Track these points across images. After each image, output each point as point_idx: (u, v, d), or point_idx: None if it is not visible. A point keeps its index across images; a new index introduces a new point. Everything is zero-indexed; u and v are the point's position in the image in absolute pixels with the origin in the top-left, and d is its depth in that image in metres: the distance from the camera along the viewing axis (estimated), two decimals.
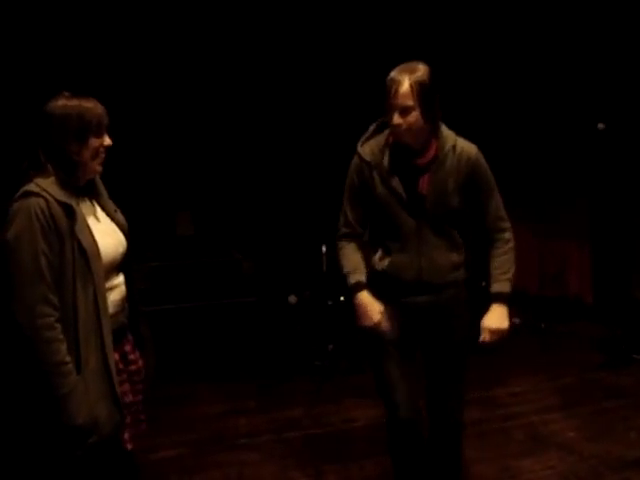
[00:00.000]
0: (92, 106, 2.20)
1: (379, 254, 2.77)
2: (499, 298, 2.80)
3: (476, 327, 2.85)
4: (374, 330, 2.72)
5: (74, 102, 2.17)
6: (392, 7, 6.06)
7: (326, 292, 5.71)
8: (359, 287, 2.74)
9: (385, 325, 2.72)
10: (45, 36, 5.30)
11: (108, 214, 2.37)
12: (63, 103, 2.16)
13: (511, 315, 2.85)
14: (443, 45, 6.13)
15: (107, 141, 2.25)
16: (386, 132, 2.70)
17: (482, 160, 2.74)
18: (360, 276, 2.75)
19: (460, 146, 2.69)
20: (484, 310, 2.83)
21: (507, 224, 2.83)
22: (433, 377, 2.91)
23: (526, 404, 4.50)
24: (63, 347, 2.07)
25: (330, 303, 5.65)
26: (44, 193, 2.08)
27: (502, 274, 2.80)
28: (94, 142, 2.20)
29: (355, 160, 2.76)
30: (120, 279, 2.34)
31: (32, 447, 2.28)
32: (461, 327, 2.84)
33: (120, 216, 2.41)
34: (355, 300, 2.75)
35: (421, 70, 2.53)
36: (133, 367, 2.41)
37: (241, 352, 5.50)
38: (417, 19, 6.18)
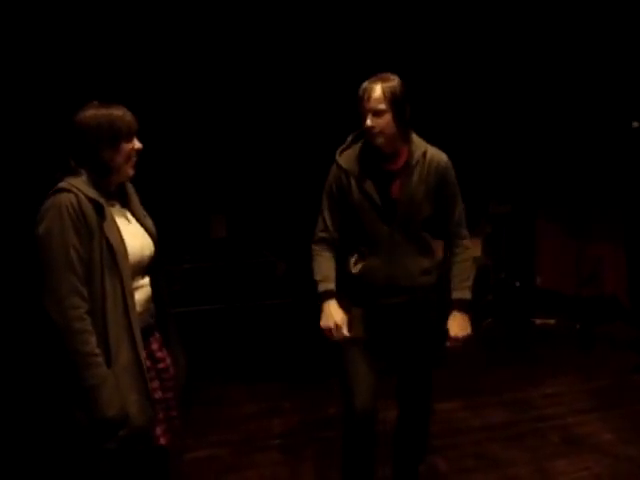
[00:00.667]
0: (122, 113, 2.29)
1: (354, 258, 2.92)
2: (460, 305, 2.91)
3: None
4: (334, 335, 2.84)
5: (104, 111, 2.26)
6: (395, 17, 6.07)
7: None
8: (327, 296, 2.88)
9: (345, 333, 2.83)
10: (69, 45, 5.39)
11: (138, 219, 2.45)
12: (93, 112, 2.25)
13: (479, 320, 2.92)
14: (463, 50, 6.13)
15: (137, 145, 2.34)
16: (362, 142, 2.86)
17: (451, 168, 2.90)
18: (329, 285, 2.89)
19: (430, 154, 2.84)
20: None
21: (466, 232, 3.00)
22: (402, 375, 3.06)
23: (561, 406, 4.47)
24: (93, 339, 2.14)
25: None
26: (74, 189, 2.18)
27: (462, 281, 2.93)
28: (125, 147, 2.30)
29: (333, 168, 2.90)
30: (146, 281, 2.41)
31: (65, 441, 2.34)
32: (429, 329, 2.96)
33: (149, 221, 2.48)
34: (322, 307, 2.88)
35: (393, 80, 2.73)
36: (161, 365, 2.46)
37: (275, 353, 5.54)
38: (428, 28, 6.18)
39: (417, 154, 2.81)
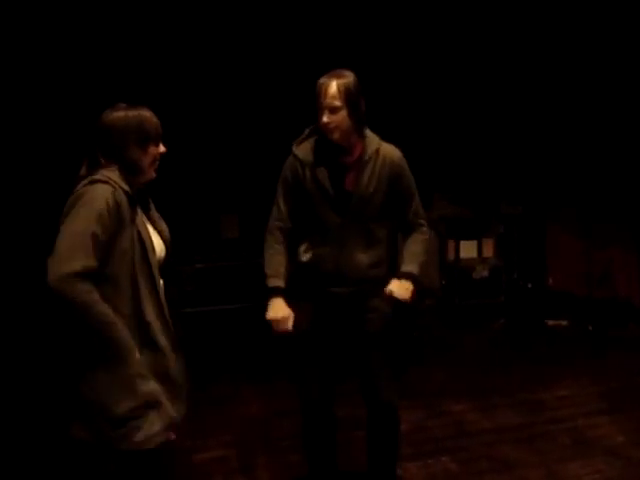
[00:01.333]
0: (150, 116, 2.34)
1: (304, 247, 3.03)
2: (406, 275, 3.01)
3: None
4: (279, 329, 2.98)
5: (134, 112, 2.31)
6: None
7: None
8: (275, 292, 2.97)
9: (289, 327, 2.96)
10: (78, 45, 5.44)
11: (153, 222, 2.47)
12: (124, 113, 2.30)
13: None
14: (477, 50, 6.11)
15: (162, 149, 2.39)
16: (318, 135, 2.95)
17: (404, 163, 3.01)
18: (279, 282, 2.97)
19: (384, 150, 2.95)
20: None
21: (424, 221, 3.13)
22: (359, 364, 3.12)
23: (572, 408, 4.45)
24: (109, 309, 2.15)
25: None
26: (112, 182, 2.21)
27: (414, 257, 3.05)
28: (152, 149, 2.34)
29: (290, 159, 3.00)
30: (161, 282, 2.42)
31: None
32: (378, 320, 3.03)
33: (163, 224, 2.51)
34: (269, 301, 2.98)
35: (348, 76, 2.82)
36: None
37: (286, 353, 5.53)
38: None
39: (371, 149, 2.92)
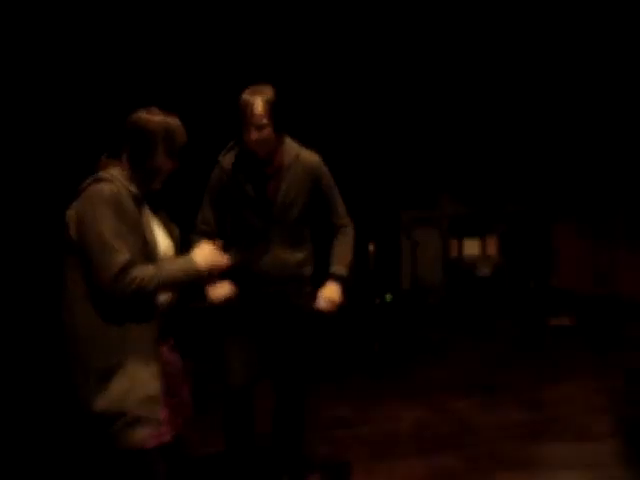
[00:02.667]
0: (181, 127, 2.34)
1: (233, 250, 3.06)
2: (335, 278, 3.15)
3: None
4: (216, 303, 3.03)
5: (172, 120, 2.31)
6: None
7: (373, 291, 5.73)
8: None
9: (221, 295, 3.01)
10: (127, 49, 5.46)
11: (163, 223, 2.46)
12: (162, 118, 2.29)
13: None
14: (486, 53, 6.11)
15: (177, 163, 2.38)
16: (240, 147, 3.08)
17: (324, 167, 3.17)
18: None
19: (303, 155, 3.11)
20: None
21: (347, 220, 3.27)
22: (276, 357, 3.28)
23: (575, 406, 4.44)
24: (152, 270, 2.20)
25: (377, 302, 5.67)
26: (117, 181, 2.20)
27: (341, 259, 3.20)
28: (174, 160, 2.34)
29: (216, 169, 3.14)
30: None
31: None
32: (300, 315, 3.21)
33: (173, 226, 2.51)
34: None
35: (269, 91, 2.94)
36: (168, 368, 2.43)
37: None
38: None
39: (290, 157, 3.07)
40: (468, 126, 6.90)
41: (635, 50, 5.98)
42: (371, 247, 5.52)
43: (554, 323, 6.37)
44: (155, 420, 2.26)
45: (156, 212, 2.44)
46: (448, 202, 7.22)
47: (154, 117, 2.28)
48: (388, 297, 6.10)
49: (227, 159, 3.13)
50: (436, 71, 6.62)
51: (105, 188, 2.16)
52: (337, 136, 6.13)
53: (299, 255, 3.18)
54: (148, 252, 2.24)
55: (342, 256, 3.21)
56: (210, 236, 3.11)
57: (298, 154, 3.10)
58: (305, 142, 3.19)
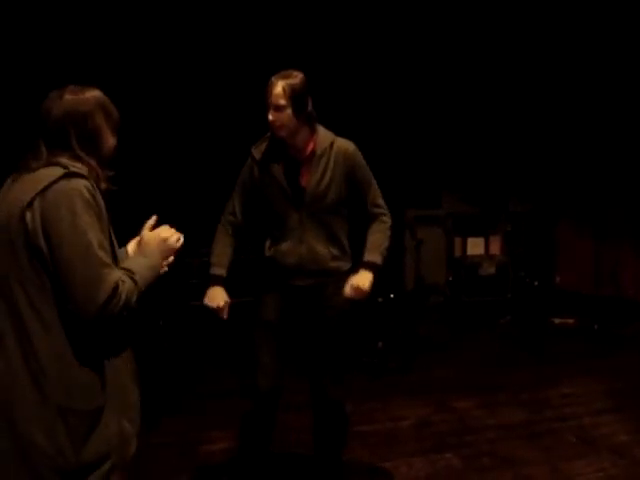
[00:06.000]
0: (108, 98, 2.04)
1: (268, 242, 3.17)
2: (368, 265, 3.07)
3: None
4: (215, 311, 3.08)
5: (101, 93, 2.01)
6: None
7: (376, 289, 5.71)
8: (215, 280, 3.11)
9: (224, 316, 3.07)
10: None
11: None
12: (94, 94, 1.98)
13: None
14: (491, 51, 6.09)
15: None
16: (272, 136, 3.05)
17: (359, 156, 3.11)
18: (220, 270, 3.13)
19: (337, 144, 3.05)
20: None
21: (384, 210, 3.18)
22: (312, 356, 3.24)
23: (577, 406, 4.45)
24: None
25: (380, 300, 5.66)
26: (90, 177, 1.90)
27: (376, 247, 3.11)
28: (115, 137, 2.06)
29: (248, 160, 3.14)
30: None
31: None
32: (336, 314, 3.12)
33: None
34: (209, 288, 3.11)
35: (295, 76, 2.91)
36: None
37: (291, 347, 5.53)
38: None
39: (323, 145, 3.02)
40: (472, 126, 6.90)
41: (636, 50, 5.96)
42: None
43: (557, 323, 6.37)
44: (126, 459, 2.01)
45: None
46: (452, 201, 7.22)
47: (88, 93, 1.96)
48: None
49: (258, 149, 3.11)
50: (441, 71, 6.62)
51: (81, 186, 1.82)
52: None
53: (334, 249, 3.10)
54: (114, 249, 1.96)
55: (377, 244, 3.11)
56: (236, 227, 3.17)
57: (333, 142, 3.05)
58: None
